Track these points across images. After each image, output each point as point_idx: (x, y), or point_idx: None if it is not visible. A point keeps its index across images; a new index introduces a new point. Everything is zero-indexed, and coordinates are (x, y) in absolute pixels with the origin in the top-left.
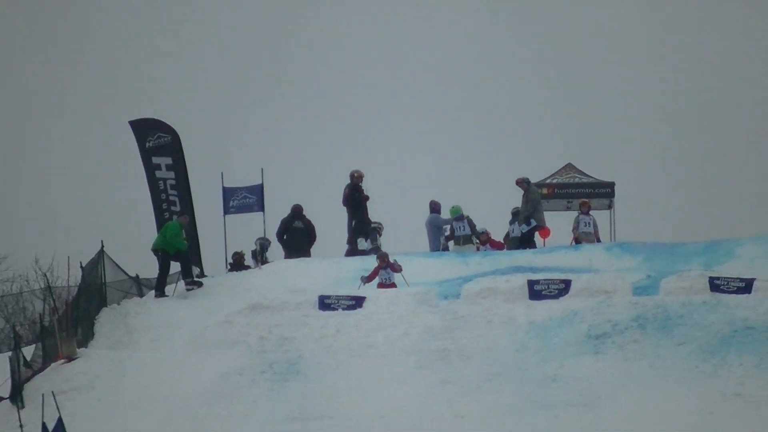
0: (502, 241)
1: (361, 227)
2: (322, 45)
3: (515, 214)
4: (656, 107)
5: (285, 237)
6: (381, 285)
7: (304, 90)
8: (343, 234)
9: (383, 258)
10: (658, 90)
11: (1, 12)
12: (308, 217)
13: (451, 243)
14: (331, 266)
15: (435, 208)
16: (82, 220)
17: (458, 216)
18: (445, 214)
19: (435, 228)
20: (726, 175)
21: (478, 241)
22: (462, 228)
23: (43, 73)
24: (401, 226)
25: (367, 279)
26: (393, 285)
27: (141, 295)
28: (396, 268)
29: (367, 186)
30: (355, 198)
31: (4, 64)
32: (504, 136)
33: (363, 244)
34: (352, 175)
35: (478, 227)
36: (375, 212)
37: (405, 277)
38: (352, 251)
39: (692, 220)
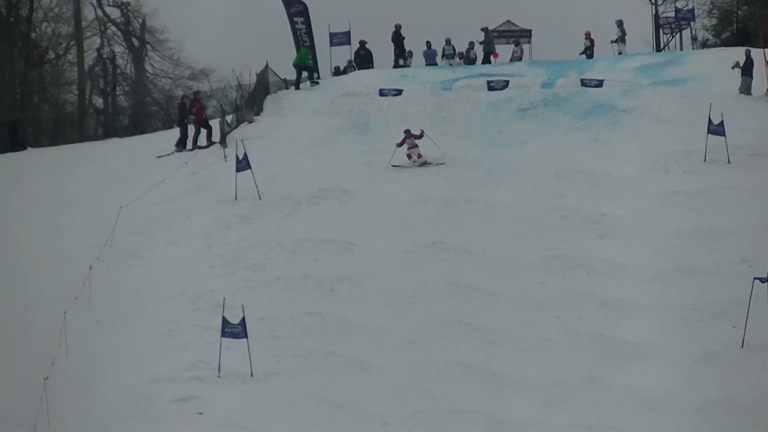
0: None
1: (400, 54)
2: None
3: (471, 44)
4: None
5: (355, 59)
6: (409, 148)
7: None
8: (391, 57)
9: (407, 132)
10: None
11: None
12: (369, 47)
13: (442, 59)
14: (384, 74)
15: (429, 46)
16: (260, 48)
17: (448, 41)
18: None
19: (429, 56)
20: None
21: (457, 57)
22: (449, 49)
23: None
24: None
25: (399, 144)
26: (416, 146)
27: (287, 88)
28: (417, 136)
29: (404, 31)
30: (397, 38)
31: None
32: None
33: (400, 62)
34: (395, 26)
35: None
36: (406, 43)
37: (431, 138)
38: (395, 66)
39: (572, 49)
